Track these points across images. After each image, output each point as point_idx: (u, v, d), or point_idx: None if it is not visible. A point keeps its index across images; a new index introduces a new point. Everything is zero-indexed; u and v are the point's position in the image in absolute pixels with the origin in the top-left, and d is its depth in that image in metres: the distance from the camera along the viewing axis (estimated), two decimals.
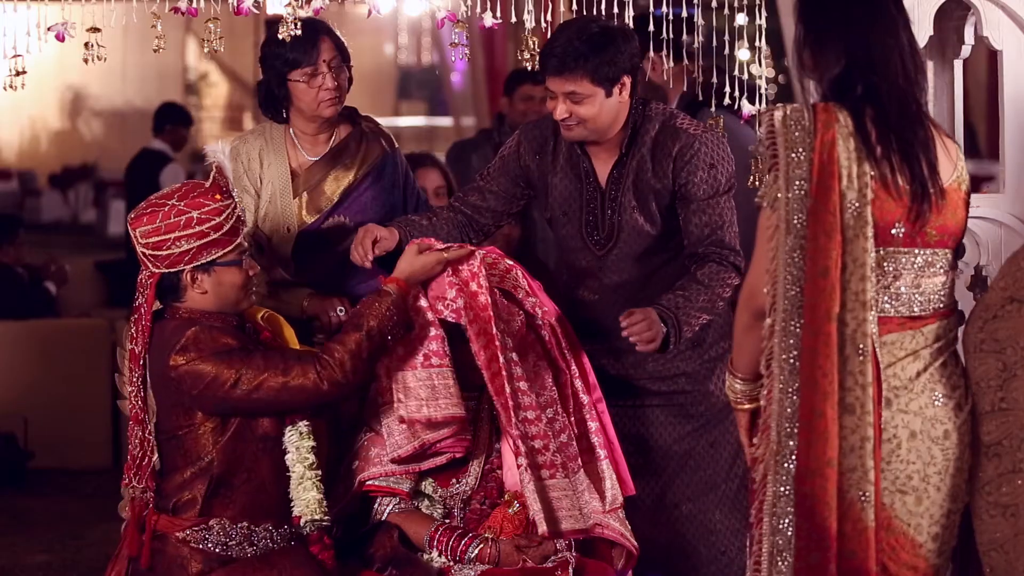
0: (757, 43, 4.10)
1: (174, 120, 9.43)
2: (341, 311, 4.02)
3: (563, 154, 4.02)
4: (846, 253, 2.96)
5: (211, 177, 3.51)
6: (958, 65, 4.20)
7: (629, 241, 3.95)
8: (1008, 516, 3.01)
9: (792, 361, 2.97)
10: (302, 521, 3.54)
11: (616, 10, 3.96)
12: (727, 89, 4.08)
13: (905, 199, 3.00)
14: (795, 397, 2.97)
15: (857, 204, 2.97)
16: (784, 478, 2.97)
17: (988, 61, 10.76)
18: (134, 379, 3.52)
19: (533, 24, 3.91)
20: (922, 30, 3.91)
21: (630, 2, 4.01)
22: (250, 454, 3.52)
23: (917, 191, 3.00)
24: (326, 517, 3.56)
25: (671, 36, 4.06)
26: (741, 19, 4.10)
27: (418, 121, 24.04)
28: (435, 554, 3.65)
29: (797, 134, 2.99)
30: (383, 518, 3.71)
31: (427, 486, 3.77)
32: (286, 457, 3.56)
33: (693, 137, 3.89)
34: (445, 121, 20.74)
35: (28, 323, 7.53)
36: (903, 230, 3.02)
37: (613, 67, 3.80)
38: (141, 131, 23.43)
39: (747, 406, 3.17)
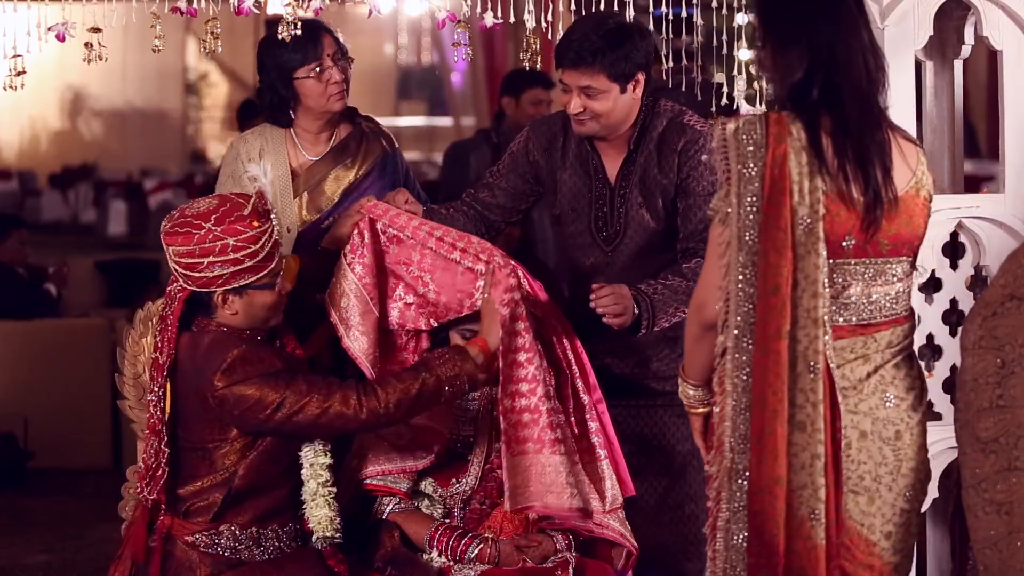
0: (757, 43, 4.10)
1: (251, 114, 9.46)
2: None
3: (572, 151, 4.03)
4: (797, 270, 2.93)
5: (251, 203, 3.46)
6: (958, 65, 4.20)
7: (635, 238, 3.95)
8: (1003, 514, 3.01)
9: (745, 378, 2.96)
10: (314, 537, 3.54)
11: (616, 10, 3.96)
12: (725, 89, 4.09)
13: (858, 210, 2.97)
14: (747, 414, 2.96)
15: (808, 220, 2.94)
16: (738, 495, 2.97)
17: (988, 61, 10.77)
18: (155, 389, 3.48)
19: (533, 24, 3.92)
20: (922, 30, 3.92)
21: (630, 2, 4.02)
22: (274, 472, 3.52)
23: (870, 200, 2.97)
24: (338, 534, 3.55)
25: (670, 36, 4.07)
26: (741, 19, 4.10)
27: (418, 121, 24.09)
28: (435, 554, 3.65)
29: (749, 148, 2.95)
30: (383, 517, 3.71)
31: (427, 486, 3.77)
32: (301, 472, 3.55)
33: (699, 133, 3.91)
34: (445, 121, 20.77)
35: (28, 323, 7.53)
36: (853, 242, 2.99)
37: (629, 63, 3.81)
38: (141, 131, 23.48)
39: (701, 410, 3.17)
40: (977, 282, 4.05)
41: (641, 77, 3.86)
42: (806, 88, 2.98)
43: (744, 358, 2.96)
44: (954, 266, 4.03)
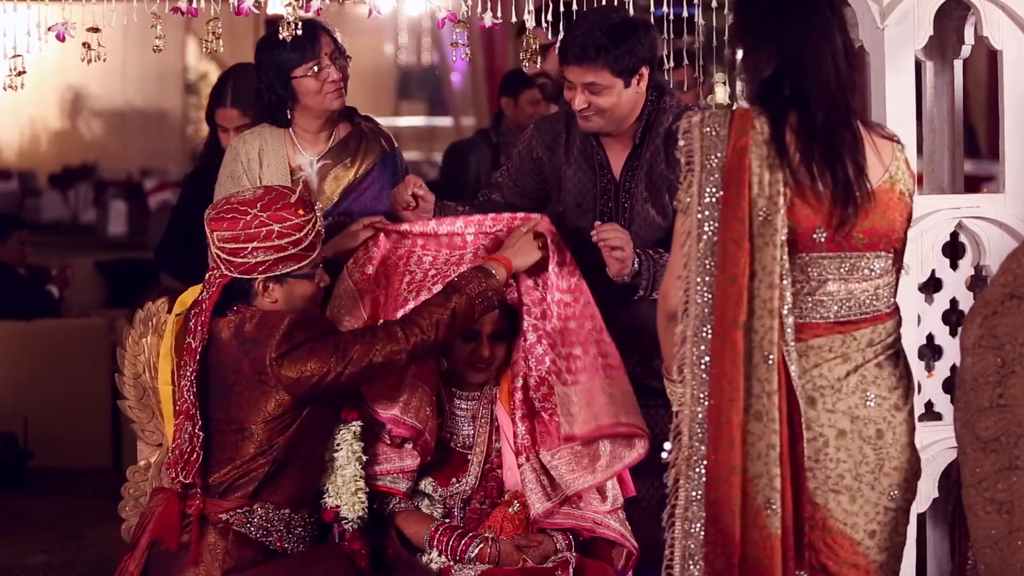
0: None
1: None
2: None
3: (577, 146, 4.03)
4: (755, 261, 2.97)
5: (297, 192, 3.52)
6: (958, 65, 4.20)
7: (640, 233, 3.95)
8: (1003, 513, 3.01)
9: (703, 367, 2.99)
10: (349, 517, 3.58)
11: (615, 5, 3.97)
12: (728, 88, 4.09)
13: (825, 204, 2.99)
14: (706, 403, 2.99)
15: (766, 211, 2.97)
16: (696, 483, 2.99)
17: (988, 61, 10.77)
18: (188, 374, 3.51)
19: (533, 24, 3.92)
20: (922, 30, 3.92)
21: (630, 2, 4.02)
22: (309, 445, 3.56)
23: (840, 195, 2.99)
24: (367, 515, 3.62)
25: (670, 36, 4.08)
26: None
27: (418, 121, 24.06)
28: (435, 554, 3.65)
29: (712, 140, 3.00)
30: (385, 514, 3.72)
31: (427, 486, 3.77)
32: (336, 454, 3.62)
33: None
34: (445, 121, 20.75)
35: (29, 323, 7.53)
36: (825, 235, 3.01)
37: (632, 58, 3.82)
38: (141, 131, 23.46)
39: None
40: (977, 282, 4.05)
41: (645, 71, 3.86)
42: (775, 88, 3.02)
43: (703, 347, 2.99)
44: (954, 266, 4.03)
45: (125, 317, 6.82)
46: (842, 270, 3.04)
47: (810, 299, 3.03)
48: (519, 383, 3.77)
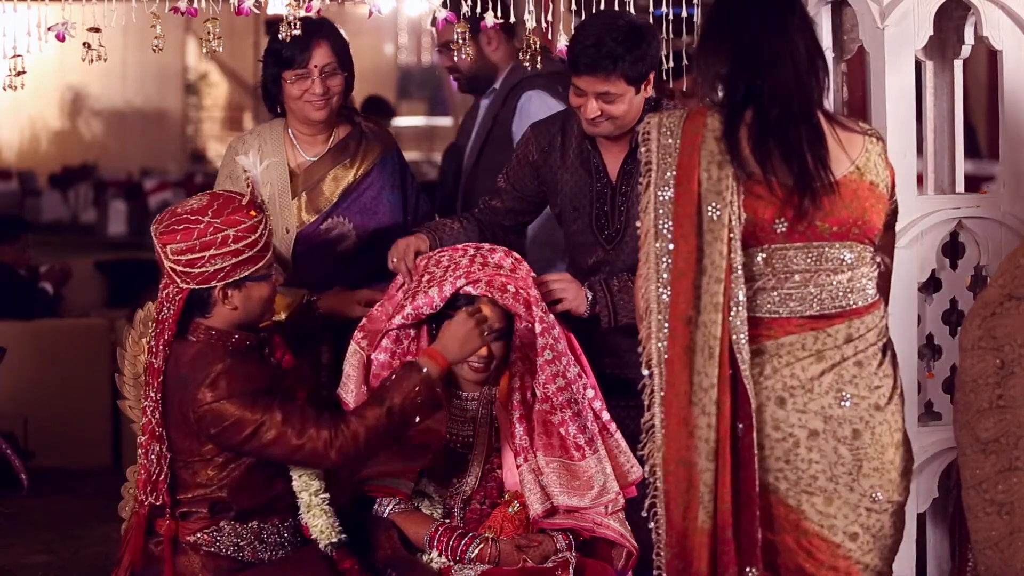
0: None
1: (375, 113, 9.38)
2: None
3: (572, 149, 4.03)
4: (705, 256, 3.02)
5: (247, 195, 3.45)
6: (958, 65, 4.20)
7: (636, 236, 3.94)
8: (1003, 514, 3.01)
9: (663, 362, 3.06)
10: (321, 545, 3.53)
11: (616, 9, 3.96)
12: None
13: (780, 194, 3.02)
14: None
15: (715, 205, 3.02)
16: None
17: (988, 61, 10.76)
18: (151, 394, 3.45)
19: (533, 24, 3.92)
20: (922, 30, 3.92)
21: (631, 2, 4.02)
22: (259, 480, 3.50)
23: (798, 186, 3.02)
24: (343, 535, 3.56)
25: (670, 36, 4.07)
26: None
27: (418, 121, 24.11)
28: (435, 554, 3.65)
29: (668, 140, 3.07)
30: (383, 517, 3.71)
31: (427, 486, 3.77)
32: (292, 483, 3.55)
33: None
34: (445, 121, 20.80)
35: (28, 323, 7.52)
36: (786, 225, 3.04)
37: (644, 64, 3.81)
38: (141, 131, 23.48)
39: None
40: (977, 282, 4.05)
41: (652, 76, 3.86)
42: (732, 88, 3.07)
43: (664, 343, 3.05)
44: (954, 266, 4.03)
45: (125, 317, 6.82)
46: (808, 260, 3.05)
47: (776, 293, 3.04)
48: (516, 383, 3.77)
